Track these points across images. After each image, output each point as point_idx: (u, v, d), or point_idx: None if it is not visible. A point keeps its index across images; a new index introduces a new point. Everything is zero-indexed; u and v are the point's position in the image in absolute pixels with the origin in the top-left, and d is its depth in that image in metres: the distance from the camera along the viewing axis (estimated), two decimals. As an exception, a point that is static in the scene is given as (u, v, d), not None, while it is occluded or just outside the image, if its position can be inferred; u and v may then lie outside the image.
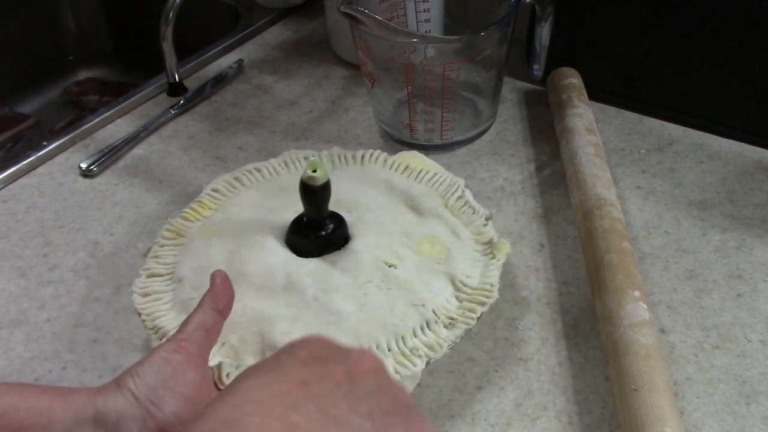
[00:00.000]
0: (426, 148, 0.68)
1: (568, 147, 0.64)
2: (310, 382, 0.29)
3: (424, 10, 0.71)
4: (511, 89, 0.78)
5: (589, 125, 0.66)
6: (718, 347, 0.50)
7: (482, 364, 0.50)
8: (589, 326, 0.52)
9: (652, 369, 0.44)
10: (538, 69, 0.72)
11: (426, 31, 0.72)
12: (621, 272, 0.50)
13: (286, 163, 0.60)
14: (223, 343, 0.45)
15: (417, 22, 0.72)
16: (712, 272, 0.56)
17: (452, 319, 0.47)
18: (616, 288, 0.49)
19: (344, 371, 0.30)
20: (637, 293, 0.49)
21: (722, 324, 0.52)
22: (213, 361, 0.44)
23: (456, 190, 0.57)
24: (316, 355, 0.31)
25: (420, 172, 0.58)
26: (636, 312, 0.47)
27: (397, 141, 0.71)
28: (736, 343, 0.50)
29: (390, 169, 0.59)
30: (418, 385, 0.45)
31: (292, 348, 0.32)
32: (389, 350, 0.45)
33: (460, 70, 0.64)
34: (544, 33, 0.68)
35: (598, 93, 0.74)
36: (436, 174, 0.58)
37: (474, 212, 0.55)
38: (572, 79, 0.72)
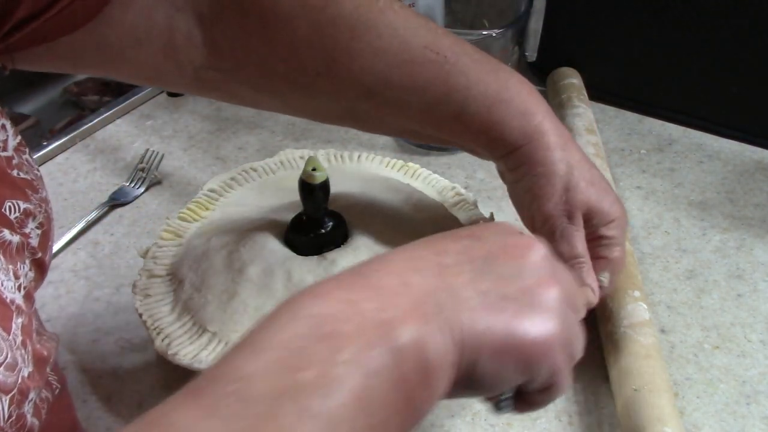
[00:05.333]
0: (430, 148, 0.68)
1: None
2: (448, 253, 0.30)
3: (410, 5, 0.70)
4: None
5: (589, 125, 0.66)
6: (718, 347, 0.50)
7: (482, 364, 0.50)
8: (589, 326, 0.52)
9: (652, 369, 0.44)
10: (530, 53, 0.71)
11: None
12: (621, 272, 0.50)
13: (282, 163, 0.60)
14: (226, 343, 0.46)
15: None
16: (712, 272, 0.56)
17: None
18: (616, 288, 0.49)
19: (488, 250, 0.30)
20: (637, 293, 0.49)
21: (722, 324, 0.52)
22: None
23: (453, 187, 0.57)
24: (476, 233, 0.31)
25: (417, 170, 0.59)
26: (636, 312, 0.47)
27: (408, 142, 0.70)
28: (736, 343, 0.50)
29: (387, 167, 0.59)
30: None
31: (468, 228, 0.33)
32: None
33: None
34: (534, 15, 0.68)
35: (598, 93, 0.74)
36: (432, 172, 0.59)
37: (472, 209, 0.55)
38: (572, 79, 0.72)
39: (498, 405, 0.33)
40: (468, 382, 0.28)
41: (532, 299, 0.29)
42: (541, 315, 0.29)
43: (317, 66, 0.42)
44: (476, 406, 0.47)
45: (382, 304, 0.26)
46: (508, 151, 0.44)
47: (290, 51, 0.42)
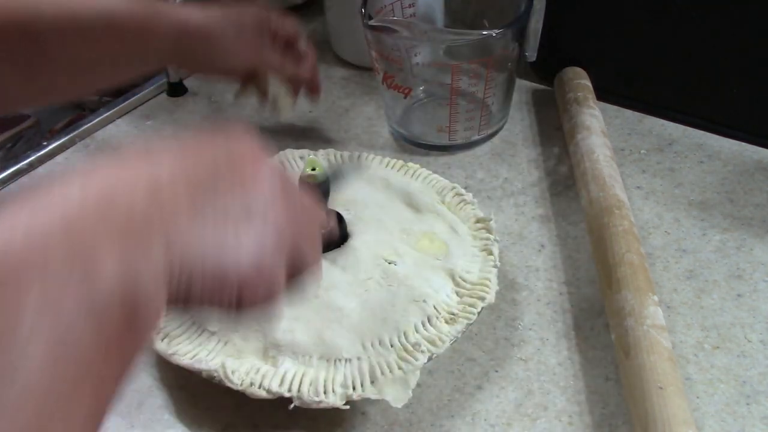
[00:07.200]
0: (430, 148, 0.68)
1: (585, 143, 0.63)
2: (167, 175, 0.27)
3: (410, 5, 0.70)
4: (516, 89, 0.78)
5: (602, 127, 0.66)
6: (718, 347, 0.50)
7: (482, 364, 0.50)
8: (589, 326, 0.52)
9: (675, 372, 0.44)
10: (530, 53, 0.71)
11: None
12: (641, 274, 0.50)
13: (282, 163, 0.60)
14: (226, 342, 0.46)
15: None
16: (712, 272, 0.56)
17: (453, 314, 0.47)
18: (638, 287, 0.49)
19: (214, 170, 0.29)
20: (656, 298, 0.49)
21: (722, 324, 0.52)
22: (216, 361, 0.44)
23: (453, 187, 0.57)
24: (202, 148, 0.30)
25: (416, 170, 0.59)
26: (657, 315, 0.47)
27: (408, 142, 0.70)
28: (736, 343, 0.50)
29: (387, 167, 0.59)
30: (419, 384, 0.45)
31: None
32: (392, 346, 0.45)
33: (471, 70, 0.64)
34: (534, 15, 0.68)
35: (598, 92, 0.74)
36: (432, 172, 0.59)
37: (472, 209, 0.55)
38: (583, 80, 0.72)
39: None
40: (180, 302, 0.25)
41: (241, 208, 0.28)
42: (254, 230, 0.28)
43: None
44: (476, 406, 0.47)
45: (77, 228, 0.21)
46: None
47: None
